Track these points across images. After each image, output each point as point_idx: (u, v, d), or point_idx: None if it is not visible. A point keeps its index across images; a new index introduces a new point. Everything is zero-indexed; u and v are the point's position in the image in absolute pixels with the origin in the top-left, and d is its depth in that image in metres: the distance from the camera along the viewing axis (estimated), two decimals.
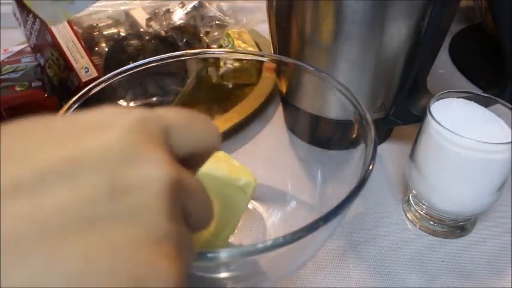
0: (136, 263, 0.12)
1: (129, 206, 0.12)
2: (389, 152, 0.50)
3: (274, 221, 0.41)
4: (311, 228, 0.24)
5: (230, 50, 0.57)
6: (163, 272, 0.13)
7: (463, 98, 0.39)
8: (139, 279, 0.12)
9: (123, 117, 0.14)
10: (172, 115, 0.16)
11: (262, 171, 0.44)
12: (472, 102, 0.38)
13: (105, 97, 0.35)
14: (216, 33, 0.60)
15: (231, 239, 0.38)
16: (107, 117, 0.14)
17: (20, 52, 0.60)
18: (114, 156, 0.13)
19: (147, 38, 0.55)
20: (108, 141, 0.13)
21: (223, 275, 0.29)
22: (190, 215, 0.16)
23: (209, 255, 0.22)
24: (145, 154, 0.13)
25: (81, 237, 0.11)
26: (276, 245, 0.23)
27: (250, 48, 0.63)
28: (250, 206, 0.42)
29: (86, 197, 0.12)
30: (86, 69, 0.50)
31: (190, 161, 0.17)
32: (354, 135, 0.34)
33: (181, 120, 0.17)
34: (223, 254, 0.22)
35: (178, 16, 0.58)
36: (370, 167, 0.28)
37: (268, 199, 0.43)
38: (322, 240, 0.30)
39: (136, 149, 0.13)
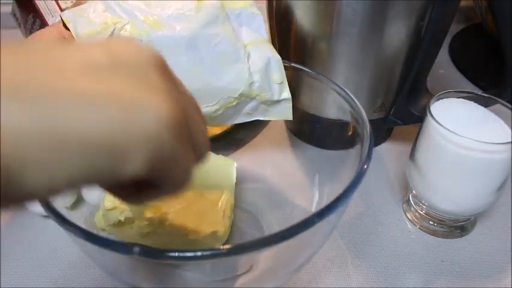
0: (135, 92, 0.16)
1: (127, 68, 0.17)
2: (389, 152, 0.50)
3: (271, 223, 0.41)
4: (306, 224, 0.23)
5: None
6: (154, 102, 0.16)
7: (463, 98, 0.39)
8: (136, 103, 0.16)
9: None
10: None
11: (261, 172, 0.44)
12: (472, 102, 0.38)
13: None
14: None
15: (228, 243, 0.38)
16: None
17: None
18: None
19: None
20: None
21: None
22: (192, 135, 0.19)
23: (207, 253, 0.22)
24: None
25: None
26: (271, 241, 0.22)
27: None
28: (247, 207, 0.42)
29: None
30: None
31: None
32: (351, 134, 0.34)
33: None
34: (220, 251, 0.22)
35: None
36: (365, 166, 0.28)
37: (265, 201, 0.42)
38: (320, 238, 0.30)
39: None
